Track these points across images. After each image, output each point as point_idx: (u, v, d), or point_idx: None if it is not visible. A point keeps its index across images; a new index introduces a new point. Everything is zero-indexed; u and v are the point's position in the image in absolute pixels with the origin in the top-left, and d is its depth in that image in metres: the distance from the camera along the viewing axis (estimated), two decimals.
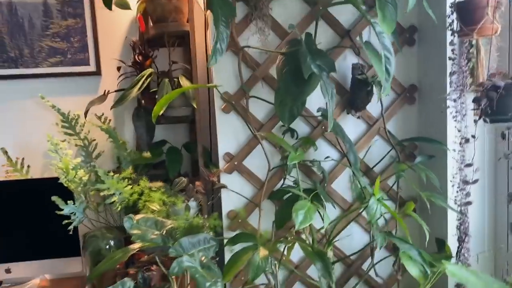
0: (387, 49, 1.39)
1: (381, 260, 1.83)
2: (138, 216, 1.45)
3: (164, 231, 1.45)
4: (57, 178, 1.88)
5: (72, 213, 1.61)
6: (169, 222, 1.47)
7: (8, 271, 1.86)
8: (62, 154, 1.73)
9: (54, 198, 1.57)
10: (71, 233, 1.74)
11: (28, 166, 1.91)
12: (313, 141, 1.72)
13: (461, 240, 1.58)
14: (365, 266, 1.88)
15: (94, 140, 1.93)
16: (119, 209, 1.67)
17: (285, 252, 1.67)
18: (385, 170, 1.84)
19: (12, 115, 1.98)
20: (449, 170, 1.65)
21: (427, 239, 1.49)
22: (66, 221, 1.62)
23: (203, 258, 1.38)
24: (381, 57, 1.38)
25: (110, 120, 1.99)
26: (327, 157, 1.76)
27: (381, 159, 1.81)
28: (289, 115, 1.60)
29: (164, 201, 1.56)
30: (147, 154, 1.88)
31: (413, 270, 1.55)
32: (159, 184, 1.62)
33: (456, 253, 1.63)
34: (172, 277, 1.44)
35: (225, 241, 1.63)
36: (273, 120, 1.76)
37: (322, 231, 1.74)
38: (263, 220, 1.76)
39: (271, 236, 1.67)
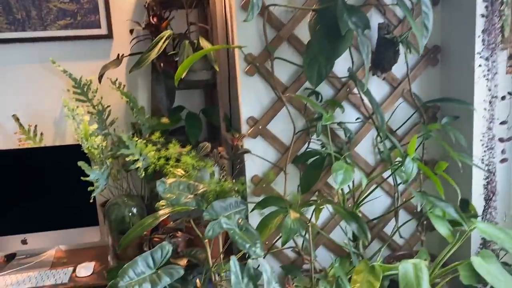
0: (425, 4, 1.36)
1: (406, 222, 1.85)
2: (170, 180, 1.41)
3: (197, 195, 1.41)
4: (72, 146, 1.82)
5: (97, 179, 1.55)
6: (202, 185, 1.43)
7: (24, 242, 1.81)
8: (79, 120, 1.66)
9: (80, 163, 1.51)
10: (92, 201, 1.69)
11: (41, 134, 1.84)
12: (340, 103, 1.69)
13: (488, 199, 1.59)
14: (386, 229, 1.90)
15: (109, 106, 1.86)
16: (142, 175, 1.62)
17: (313, 216, 1.66)
18: (408, 133, 1.83)
19: (20, 81, 1.89)
20: (477, 130, 1.64)
21: (459, 198, 1.50)
22: (91, 188, 1.56)
23: (240, 220, 1.36)
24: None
25: (124, 85, 1.92)
26: (358, 118, 1.74)
27: (405, 121, 1.80)
28: (317, 76, 1.56)
29: (194, 166, 1.52)
30: (165, 120, 1.83)
31: (442, 229, 1.56)
32: (187, 148, 1.57)
33: (482, 212, 1.65)
34: (206, 241, 1.42)
35: (249, 206, 1.61)
36: (297, 83, 1.71)
37: (348, 195, 1.73)
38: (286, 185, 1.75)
39: (296, 200, 1.65)
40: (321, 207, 1.58)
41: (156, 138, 1.58)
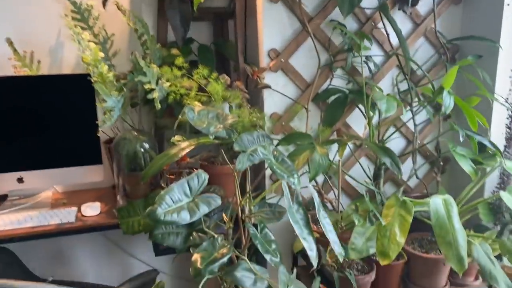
0: None
1: (421, 166, 1.84)
2: (199, 108, 1.30)
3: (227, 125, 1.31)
4: (75, 76, 1.66)
5: (112, 109, 1.41)
6: (231, 116, 1.33)
7: (20, 180, 1.65)
8: (85, 45, 1.49)
9: (98, 86, 1.36)
10: (100, 134, 1.56)
11: (39, 62, 1.65)
12: (368, 35, 1.62)
13: (510, 139, 1.59)
14: None
15: (113, 34, 1.70)
16: (159, 107, 1.50)
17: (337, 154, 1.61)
18: (429, 72, 1.79)
19: (12, 3, 1.67)
20: (501, 69, 1.63)
21: (489, 135, 1.49)
22: (104, 118, 1.41)
23: (274, 151, 1.28)
24: None
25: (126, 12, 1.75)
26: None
27: (427, 61, 1.76)
28: (349, 4, 1.47)
29: (223, 96, 1.41)
30: (176, 51, 1.69)
31: (466, 167, 1.55)
32: (214, 75, 1.45)
33: (502, 153, 1.65)
34: (235, 173, 1.33)
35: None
36: (322, 13, 1.62)
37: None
38: (302, 124, 1.68)
39: (324, 136, 1.59)
40: (348, 143, 1.53)
41: (180, 63, 1.44)
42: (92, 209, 1.60)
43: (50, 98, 1.62)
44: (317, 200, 1.17)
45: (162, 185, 1.51)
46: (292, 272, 1.20)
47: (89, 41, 1.51)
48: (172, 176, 1.60)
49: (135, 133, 1.59)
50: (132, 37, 1.76)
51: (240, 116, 1.42)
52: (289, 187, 1.20)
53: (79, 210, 1.61)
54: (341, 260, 1.13)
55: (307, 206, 1.68)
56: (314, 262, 1.07)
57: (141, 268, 1.88)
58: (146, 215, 1.06)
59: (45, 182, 1.72)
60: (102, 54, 1.50)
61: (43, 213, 1.58)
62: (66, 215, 1.56)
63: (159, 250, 1.60)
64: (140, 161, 1.57)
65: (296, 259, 1.78)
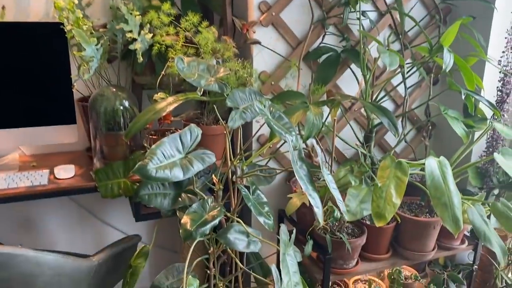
0: None
1: (410, 130, 1.81)
2: (189, 59, 1.19)
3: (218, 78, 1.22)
4: (46, 24, 1.50)
5: (91, 59, 1.27)
6: (223, 69, 1.23)
7: None
8: None
9: (76, 31, 1.22)
10: (75, 89, 1.42)
11: (3, 8, 1.47)
12: None
13: (502, 102, 1.58)
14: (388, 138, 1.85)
15: None
16: (140, 59, 1.37)
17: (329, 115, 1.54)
18: (419, 35, 1.74)
19: None
20: (495, 31, 1.60)
21: (483, 95, 1.46)
22: (81, 69, 1.28)
23: (271, 107, 1.20)
24: None
25: None
26: None
27: (419, 21, 1.70)
28: None
29: (213, 49, 1.30)
30: (156, 2, 1.55)
31: (458, 130, 1.53)
32: (205, 24, 1.34)
33: (492, 116, 1.64)
34: (226, 130, 1.24)
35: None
36: None
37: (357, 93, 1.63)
38: (292, 84, 1.60)
39: (318, 95, 1.52)
40: (340, 103, 1.47)
41: (167, 8, 1.32)
42: (66, 172, 1.48)
43: (16, 49, 1.46)
44: (320, 155, 1.10)
45: (145, 145, 1.40)
46: (291, 235, 1.14)
47: None
48: (155, 137, 1.49)
49: (114, 90, 1.46)
50: None
51: (239, 67, 1.32)
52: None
53: (51, 173, 1.48)
54: (347, 218, 1.08)
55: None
56: (321, 219, 1.01)
57: (117, 237, 1.78)
58: (135, 171, 0.96)
59: (11, 143, 1.57)
60: (76, 0, 1.36)
61: (11, 176, 1.44)
62: (37, 178, 1.43)
63: (140, 215, 1.50)
64: (119, 120, 1.45)
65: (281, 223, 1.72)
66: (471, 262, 1.74)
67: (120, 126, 1.45)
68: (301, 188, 1.58)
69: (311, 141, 1.22)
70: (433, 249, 1.58)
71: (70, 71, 1.49)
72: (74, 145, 1.70)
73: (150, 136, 1.50)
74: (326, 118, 1.53)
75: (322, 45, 1.60)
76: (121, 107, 1.44)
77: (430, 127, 1.75)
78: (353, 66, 1.66)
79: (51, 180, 1.44)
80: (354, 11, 1.53)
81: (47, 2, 1.57)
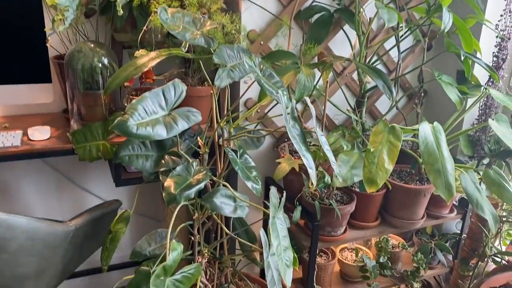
0: None
1: (402, 97, 1.77)
2: (173, 10, 1.10)
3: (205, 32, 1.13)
4: None
5: (66, 8, 1.17)
6: (209, 22, 1.15)
7: None
8: None
9: None
10: (49, 44, 1.32)
11: None
12: None
13: (498, 67, 1.53)
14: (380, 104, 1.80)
15: None
16: (121, 12, 1.27)
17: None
18: None
19: None
20: None
21: (481, 58, 1.40)
22: (55, 21, 1.17)
23: (261, 65, 1.12)
24: None
25: None
26: None
27: None
28: None
29: (199, 1, 1.21)
30: None
31: (452, 95, 1.49)
32: None
33: (486, 83, 1.60)
34: (213, 90, 1.17)
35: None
36: None
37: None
38: (284, 43, 1.52)
39: (310, 55, 1.45)
40: (332, 65, 1.40)
41: None
42: (40, 133, 1.39)
43: None
44: (314, 113, 1.04)
45: (126, 105, 1.32)
46: (280, 200, 1.09)
47: None
48: (135, 97, 1.40)
49: (92, 45, 1.36)
50: None
51: (227, 20, 1.23)
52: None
53: (25, 134, 1.39)
54: (340, 181, 1.03)
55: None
56: (314, 180, 0.95)
57: (95, 203, 1.71)
58: (114, 126, 0.88)
59: None
60: None
61: None
62: (9, 139, 1.34)
63: (121, 179, 1.43)
64: (97, 78, 1.35)
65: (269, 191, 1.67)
66: (459, 232, 1.73)
67: (99, 85, 1.36)
68: (290, 154, 1.53)
69: (305, 100, 1.15)
70: (422, 218, 1.56)
71: (44, 25, 1.38)
72: (49, 106, 1.60)
73: (131, 96, 1.42)
74: (317, 82, 1.46)
75: (314, 4, 1.52)
76: (100, 64, 1.34)
77: (422, 94, 1.70)
78: (346, 27, 1.58)
79: (25, 141, 1.35)
80: None
81: None
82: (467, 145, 1.63)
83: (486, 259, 1.55)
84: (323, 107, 1.37)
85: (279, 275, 1.01)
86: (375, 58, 1.64)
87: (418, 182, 1.55)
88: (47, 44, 1.33)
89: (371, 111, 1.80)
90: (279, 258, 0.96)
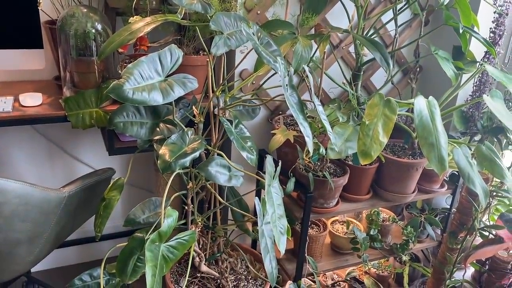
0: None
1: (397, 72, 1.76)
2: None
3: None
4: None
5: None
6: None
7: None
8: None
9: None
10: (41, 8, 1.28)
11: None
12: None
13: (495, 43, 1.53)
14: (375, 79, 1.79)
15: None
16: None
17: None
18: None
19: None
20: None
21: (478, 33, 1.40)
22: None
23: (259, 33, 1.11)
24: None
25: None
26: None
27: None
28: None
29: None
30: None
31: (448, 71, 1.49)
32: None
33: (482, 58, 1.59)
34: (209, 57, 1.15)
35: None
36: None
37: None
38: (281, 12, 1.50)
39: (308, 25, 1.43)
40: (329, 37, 1.38)
41: None
42: (32, 99, 1.36)
43: None
44: (312, 82, 1.03)
45: (119, 72, 1.30)
46: (276, 169, 1.09)
47: None
48: (128, 59, 1.38)
49: (85, 10, 1.33)
50: None
51: None
52: None
53: (16, 100, 1.37)
54: (337, 150, 1.03)
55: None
56: (311, 148, 0.95)
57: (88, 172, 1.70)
58: (110, 90, 0.87)
59: None
60: None
61: None
62: (0, 104, 1.32)
63: (114, 148, 1.42)
64: (91, 44, 1.32)
65: (263, 165, 1.68)
66: (448, 206, 1.76)
67: (92, 51, 1.33)
68: (284, 125, 1.53)
69: (305, 69, 1.14)
70: (413, 192, 1.58)
71: None
72: (41, 73, 1.57)
73: (125, 64, 1.39)
74: (314, 53, 1.45)
75: None
76: (93, 30, 1.31)
77: (418, 69, 1.70)
78: None
79: (16, 107, 1.33)
80: None
81: None
82: (460, 121, 1.64)
83: (474, 233, 1.58)
84: (319, 79, 1.37)
85: (273, 243, 1.02)
86: (372, 31, 1.62)
87: (410, 156, 1.56)
88: (38, 8, 1.29)
89: (366, 85, 1.79)
90: (274, 225, 0.97)
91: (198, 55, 1.45)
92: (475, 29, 1.48)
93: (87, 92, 1.33)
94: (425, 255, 1.92)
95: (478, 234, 1.53)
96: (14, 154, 1.70)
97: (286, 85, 0.97)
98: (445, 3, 1.23)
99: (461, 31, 1.34)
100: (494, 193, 1.59)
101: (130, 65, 0.91)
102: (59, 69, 1.43)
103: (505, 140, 1.63)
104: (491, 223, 1.72)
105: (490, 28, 1.55)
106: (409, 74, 1.73)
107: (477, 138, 1.70)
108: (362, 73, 1.53)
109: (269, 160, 1.03)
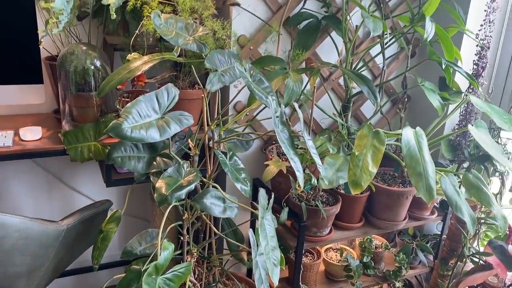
0: None
1: (386, 102, 1.82)
2: (166, 15, 1.13)
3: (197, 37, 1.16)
4: None
5: (60, 12, 1.19)
6: (201, 27, 1.18)
7: None
8: None
9: None
10: (42, 46, 1.34)
11: None
12: None
13: (477, 75, 1.59)
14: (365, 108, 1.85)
15: None
16: (114, 16, 1.30)
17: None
18: (398, 7, 1.73)
19: None
20: (477, 1, 1.60)
21: (462, 68, 1.47)
22: (49, 23, 1.19)
23: (251, 71, 1.16)
24: None
25: None
26: None
27: None
28: None
29: (191, 7, 1.24)
30: None
31: (434, 102, 1.54)
32: None
33: (466, 89, 1.66)
34: (204, 94, 1.20)
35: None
36: None
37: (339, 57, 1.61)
38: (273, 48, 1.57)
39: (298, 60, 1.49)
40: (319, 71, 1.44)
41: None
42: (32, 133, 1.40)
43: None
44: (301, 118, 1.08)
45: (118, 107, 1.34)
46: (269, 201, 1.12)
47: None
48: (127, 99, 1.43)
49: (84, 48, 1.38)
50: None
51: (218, 26, 1.27)
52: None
53: (16, 134, 1.40)
54: (326, 183, 1.07)
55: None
56: (302, 182, 1.00)
57: (86, 204, 1.72)
58: (109, 130, 0.91)
59: None
60: None
61: None
62: (1, 139, 1.35)
63: (112, 180, 1.45)
64: (90, 80, 1.37)
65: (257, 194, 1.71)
66: (439, 233, 1.79)
67: (91, 87, 1.38)
68: (278, 156, 1.57)
69: (293, 105, 1.19)
70: (404, 219, 1.61)
71: (37, 27, 1.40)
72: (41, 107, 1.61)
73: (123, 99, 1.44)
74: (305, 86, 1.50)
75: (303, 10, 1.57)
76: (92, 67, 1.37)
77: (406, 99, 1.76)
78: (333, 34, 1.63)
79: (16, 141, 1.36)
80: None
81: None
82: (448, 149, 1.69)
83: (464, 259, 1.61)
84: (310, 111, 1.42)
85: (267, 274, 1.05)
86: (361, 64, 1.69)
87: (400, 184, 1.60)
88: (40, 46, 1.35)
89: (356, 115, 1.85)
90: (267, 257, 1.00)
91: (194, 89, 1.51)
92: (459, 62, 1.55)
93: (86, 126, 1.38)
94: (419, 281, 1.94)
95: (469, 260, 1.57)
96: (13, 185, 1.72)
97: (277, 122, 1.01)
98: (428, 39, 1.30)
99: (443, 66, 1.40)
100: (483, 220, 1.63)
101: (129, 105, 0.96)
102: (58, 103, 1.48)
103: (492, 168, 1.68)
104: (482, 249, 1.75)
105: (473, 61, 1.61)
106: (397, 104, 1.79)
107: (465, 165, 1.75)
108: (351, 104, 1.58)
109: (261, 193, 1.07)
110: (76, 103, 1.41)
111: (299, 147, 1.37)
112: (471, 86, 1.63)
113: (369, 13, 1.64)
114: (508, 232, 1.53)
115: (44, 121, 1.55)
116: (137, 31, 1.35)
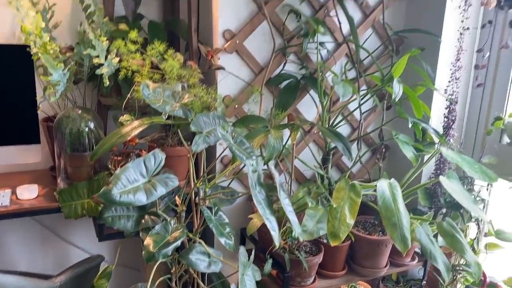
0: None
1: (365, 152, 1.92)
2: (154, 85, 1.25)
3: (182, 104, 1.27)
4: (10, 45, 1.52)
5: (57, 83, 1.30)
6: (187, 95, 1.29)
7: None
8: (24, 13, 1.36)
9: (44, 57, 1.24)
10: (40, 111, 1.44)
11: None
12: (322, 21, 1.64)
13: (448, 127, 1.70)
14: (345, 159, 1.95)
15: (55, 4, 1.57)
16: (107, 83, 1.41)
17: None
18: (372, 65, 1.86)
19: None
20: (442, 61, 1.73)
21: (430, 121, 1.57)
22: (46, 92, 1.30)
23: (233, 133, 1.26)
24: None
25: None
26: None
27: (373, 51, 1.82)
28: None
29: (178, 74, 1.36)
30: (124, 26, 1.59)
31: (408, 153, 1.64)
32: (170, 51, 1.39)
33: (444, 138, 1.76)
34: (190, 154, 1.30)
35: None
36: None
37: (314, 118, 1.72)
38: (255, 108, 1.68)
39: (279, 119, 1.60)
40: (299, 128, 1.55)
41: (134, 37, 1.36)
42: (29, 192, 1.48)
43: None
44: (278, 180, 1.17)
45: (110, 166, 1.43)
46: (250, 256, 1.20)
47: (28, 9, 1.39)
48: (119, 158, 1.52)
49: (79, 111, 1.49)
50: (75, 9, 1.65)
51: (203, 92, 1.38)
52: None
53: (13, 193, 1.48)
54: (301, 239, 1.15)
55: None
56: (277, 242, 1.07)
57: (80, 257, 1.78)
58: (100, 195, 1.00)
59: None
60: (43, 24, 1.38)
61: None
62: None
63: (104, 235, 1.52)
64: (84, 141, 1.47)
65: (244, 243, 1.78)
66: (421, 278, 1.85)
67: (85, 147, 1.48)
68: None
69: (269, 168, 1.28)
70: (385, 266, 1.67)
71: (36, 92, 1.51)
72: (37, 164, 1.70)
73: (115, 158, 1.53)
74: (287, 141, 1.61)
75: (283, 72, 1.69)
76: (86, 129, 1.47)
77: (383, 150, 1.86)
78: (312, 91, 1.75)
79: (14, 200, 1.44)
80: (313, 42, 1.63)
81: (13, 22, 1.59)
82: (424, 197, 1.77)
83: None
84: (291, 165, 1.51)
85: None
86: (340, 117, 1.80)
87: (381, 232, 1.68)
88: (38, 111, 1.45)
89: (338, 164, 1.94)
90: None
91: (182, 145, 1.60)
92: (431, 116, 1.66)
93: (80, 184, 1.46)
94: None
95: None
96: (9, 241, 1.78)
97: (255, 184, 1.10)
98: (397, 99, 1.41)
99: (410, 125, 1.51)
100: (461, 267, 1.69)
101: (118, 171, 1.05)
102: (54, 161, 1.57)
103: (468, 214, 1.76)
104: None
105: (444, 114, 1.73)
106: (376, 154, 1.89)
107: (444, 211, 1.83)
108: (331, 156, 1.68)
109: (241, 251, 1.14)
110: (71, 163, 1.50)
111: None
112: (445, 136, 1.74)
113: (346, 71, 1.78)
114: (482, 278, 1.59)
115: (40, 178, 1.64)
116: (128, 96, 1.46)
